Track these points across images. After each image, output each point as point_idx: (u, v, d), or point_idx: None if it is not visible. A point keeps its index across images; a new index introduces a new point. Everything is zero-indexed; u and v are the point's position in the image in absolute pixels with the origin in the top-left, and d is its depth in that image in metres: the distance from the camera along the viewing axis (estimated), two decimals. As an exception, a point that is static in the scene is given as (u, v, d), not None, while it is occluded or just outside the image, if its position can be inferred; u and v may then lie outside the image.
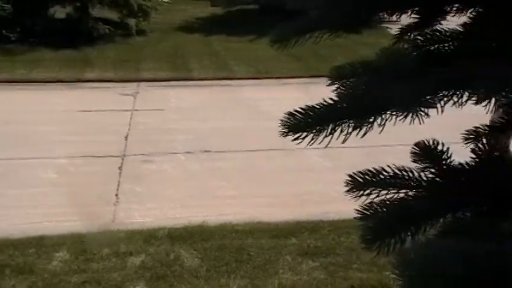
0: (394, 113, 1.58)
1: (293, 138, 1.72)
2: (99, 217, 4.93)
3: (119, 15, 11.76)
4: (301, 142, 1.74)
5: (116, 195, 5.40)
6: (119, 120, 7.52)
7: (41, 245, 4.31)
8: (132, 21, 11.76)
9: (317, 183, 5.63)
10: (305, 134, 1.71)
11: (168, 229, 4.57)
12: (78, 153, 6.38)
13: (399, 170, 1.74)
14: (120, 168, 6.05)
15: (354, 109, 1.63)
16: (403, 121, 1.63)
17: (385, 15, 1.84)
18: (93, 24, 11.18)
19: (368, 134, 1.70)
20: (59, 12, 11.68)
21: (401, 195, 1.67)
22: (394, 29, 2.09)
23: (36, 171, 5.93)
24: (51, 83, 9.14)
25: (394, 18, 1.85)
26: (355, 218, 1.78)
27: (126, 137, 6.96)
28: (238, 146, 6.50)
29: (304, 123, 1.69)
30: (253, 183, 5.58)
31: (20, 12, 10.76)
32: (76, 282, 3.83)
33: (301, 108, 1.74)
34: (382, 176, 1.70)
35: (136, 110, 8.01)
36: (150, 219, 4.90)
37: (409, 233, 1.49)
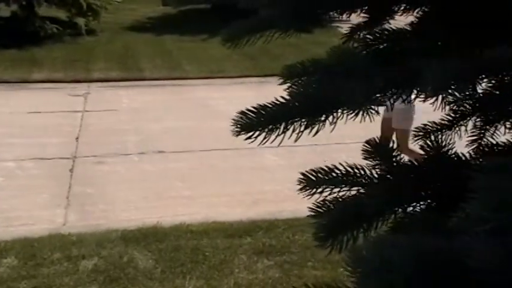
0: (345, 111, 1.60)
1: (245, 137, 1.72)
2: (49, 221, 4.81)
3: (68, 14, 11.49)
4: (253, 141, 1.74)
5: (67, 197, 5.28)
6: (69, 122, 7.35)
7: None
8: (81, 21, 11.52)
9: (271, 182, 5.65)
10: (257, 133, 1.71)
11: (121, 231, 4.49)
12: (26, 156, 6.21)
13: (351, 168, 1.76)
14: (71, 170, 5.92)
15: (305, 108, 1.63)
16: (355, 119, 1.65)
17: (335, 15, 1.85)
18: (40, 24, 10.88)
19: (321, 132, 1.71)
20: (3, 10, 11.32)
21: (354, 192, 1.69)
22: (344, 28, 2.11)
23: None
24: (-4, 83, 8.87)
25: (344, 17, 1.86)
26: (308, 216, 1.79)
27: (77, 139, 6.81)
28: (192, 146, 6.45)
29: (256, 122, 1.69)
30: (208, 183, 5.56)
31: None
32: (25, 289, 3.72)
33: (253, 107, 1.73)
34: (334, 174, 1.71)
35: (88, 111, 7.85)
36: (103, 221, 4.81)
37: (361, 230, 1.50)
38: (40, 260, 4.07)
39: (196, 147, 6.44)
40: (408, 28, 1.82)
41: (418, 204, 1.66)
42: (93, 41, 11.40)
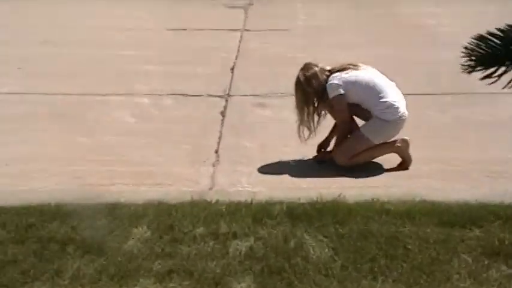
0: None
1: (483, 75, 1.66)
2: (192, 181, 5.05)
3: None
4: (495, 81, 1.68)
5: (216, 151, 5.49)
6: (222, 45, 7.65)
7: (114, 215, 4.49)
8: None
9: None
10: (502, 69, 1.64)
11: (287, 204, 4.57)
12: (165, 90, 6.57)
13: None
14: (222, 113, 6.14)
15: None
16: None
17: None
18: None
19: None
20: None
21: None
22: None
23: (110, 112, 6.21)
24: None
25: None
26: None
27: (232, 69, 7.06)
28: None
29: (502, 52, 1.61)
30: (417, 141, 5.45)
31: None
32: (159, 271, 3.95)
33: (499, 30, 1.65)
34: None
35: (248, 31, 8.11)
36: (263, 188, 4.93)
37: None
38: (179, 235, 4.27)
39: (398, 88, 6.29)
40: None
41: None
42: None
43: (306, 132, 5.26)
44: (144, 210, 4.55)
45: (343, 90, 5.12)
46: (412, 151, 5.26)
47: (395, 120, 5.12)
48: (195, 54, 7.38)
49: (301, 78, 5.23)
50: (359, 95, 5.17)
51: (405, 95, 5.31)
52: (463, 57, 1.70)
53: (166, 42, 7.74)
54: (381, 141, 5.20)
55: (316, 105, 5.24)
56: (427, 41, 7.25)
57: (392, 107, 5.10)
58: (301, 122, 5.25)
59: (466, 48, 1.69)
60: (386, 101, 5.11)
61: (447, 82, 6.47)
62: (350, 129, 5.29)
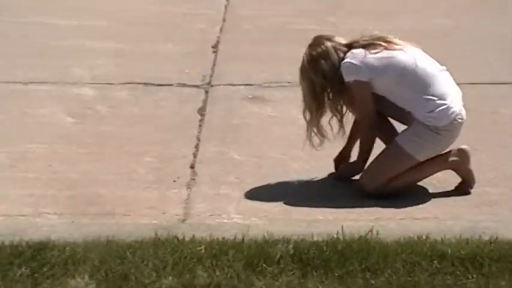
0: None
1: None
2: (157, 210, 5.02)
3: None
4: None
5: (192, 166, 5.50)
6: (201, 10, 7.65)
7: (41, 260, 4.38)
8: None
9: None
10: None
11: (294, 242, 4.53)
12: (118, 77, 6.57)
13: None
14: (201, 110, 6.16)
15: None
16: None
17: None
18: None
19: None
20: None
21: None
22: None
23: (35, 108, 6.18)
24: None
25: None
26: None
27: (215, 47, 7.08)
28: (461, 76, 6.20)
29: None
30: (484, 152, 5.48)
31: None
32: None
33: None
34: None
35: (238, -9, 8.09)
36: (259, 219, 4.94)
37: None
38: (136, 287, 4.22)
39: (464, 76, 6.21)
40: None
41: None
42: None
43: (318, 137, 5.19)
44: (86, 252, 4.46)
45: (366, 77, 5.02)
46: (475, 167, 5.21)
47: (448, 126, 5.00)
48: (162, 25, 7.36)
49: (306, 60, 5.13)
50: (391, 88, 5.07)
51: (465, 84, 5.23)
52: None
53: (120, 6, 7.69)
54: (428, 157, 5.09)
55: (331, 96, 5.14)
56: (503, 5, 7.22)
57: (442, 107, 4.99)
58: (310, 122, 5.16)
59: None
60: (432, 99, 4.99)
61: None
62: (375, 130, 5.21)
